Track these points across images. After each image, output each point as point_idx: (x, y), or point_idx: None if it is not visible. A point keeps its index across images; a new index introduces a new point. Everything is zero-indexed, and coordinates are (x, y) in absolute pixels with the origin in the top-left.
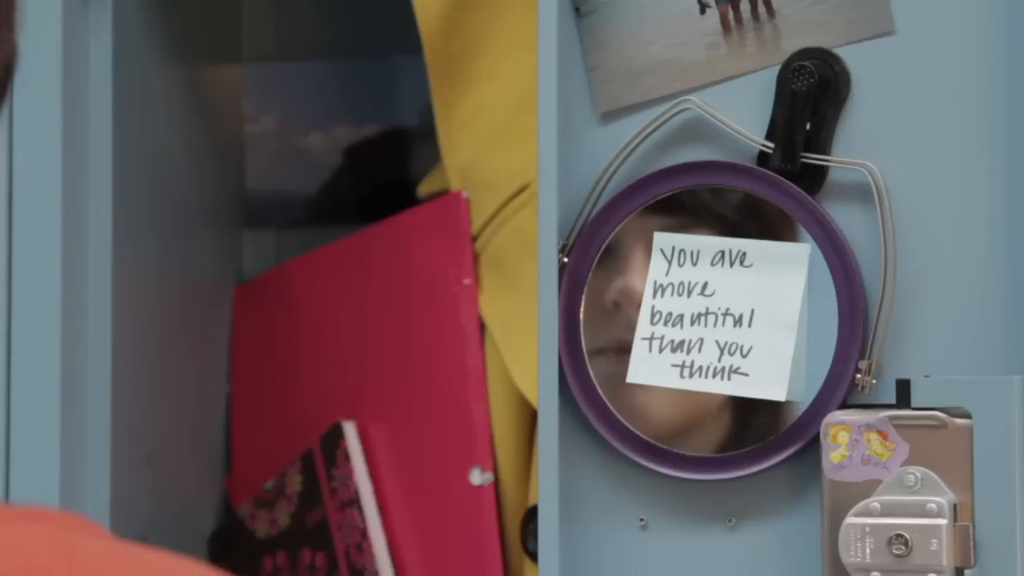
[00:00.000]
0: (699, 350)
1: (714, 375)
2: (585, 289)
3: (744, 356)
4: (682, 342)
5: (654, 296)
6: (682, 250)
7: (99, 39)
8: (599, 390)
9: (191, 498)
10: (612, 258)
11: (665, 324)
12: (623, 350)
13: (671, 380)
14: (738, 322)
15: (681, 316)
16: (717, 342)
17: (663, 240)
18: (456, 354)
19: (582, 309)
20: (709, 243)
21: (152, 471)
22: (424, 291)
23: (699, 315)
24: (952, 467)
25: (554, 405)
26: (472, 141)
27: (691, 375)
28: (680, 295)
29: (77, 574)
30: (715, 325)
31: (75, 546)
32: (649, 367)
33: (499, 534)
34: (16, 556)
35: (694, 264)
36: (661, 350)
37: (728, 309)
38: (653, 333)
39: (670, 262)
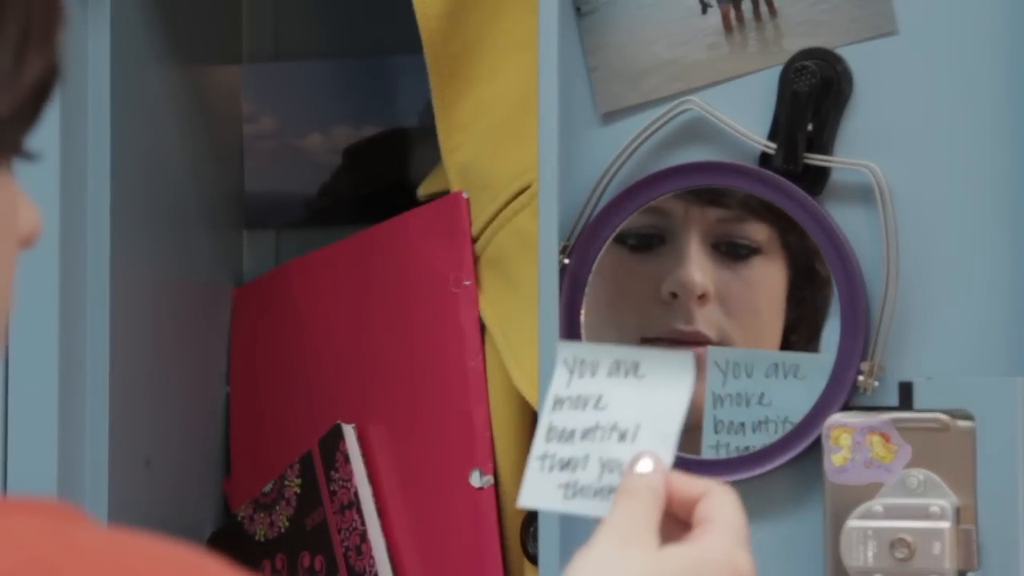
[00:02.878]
0: (584, 467)
1: (595, 495)
2: (586, 290)
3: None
4: (570, 460)
5: (553, 409)
6: (583, 360)
7: (97, 39)
8: None
9: (190, 500)
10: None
11: (559, 441)
12: None
13: (556, 503)
14: (623, 437)
15: (573, 432)
16: (600, 459)
17: (566, 350)
18: (456, 356)
19: (583, 310)
20: (607, 352)
21: (150, 473)
22: (424, 293)
23: (589, 430)
24: (955, 470)
25: None
26: (472, 141)
27: (574, 495)
28: (576, 408)
29: (82, 567)
30: (602, 440)
31: (76, 538)
32: (537, 489)
33: (499, 537)
34: (18, 551)
35: (592, 375)
36: (551, 469)
37: (616, 424)
38: (546, 452)
39: (571, 373)
